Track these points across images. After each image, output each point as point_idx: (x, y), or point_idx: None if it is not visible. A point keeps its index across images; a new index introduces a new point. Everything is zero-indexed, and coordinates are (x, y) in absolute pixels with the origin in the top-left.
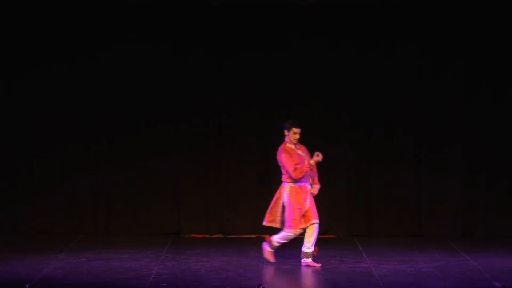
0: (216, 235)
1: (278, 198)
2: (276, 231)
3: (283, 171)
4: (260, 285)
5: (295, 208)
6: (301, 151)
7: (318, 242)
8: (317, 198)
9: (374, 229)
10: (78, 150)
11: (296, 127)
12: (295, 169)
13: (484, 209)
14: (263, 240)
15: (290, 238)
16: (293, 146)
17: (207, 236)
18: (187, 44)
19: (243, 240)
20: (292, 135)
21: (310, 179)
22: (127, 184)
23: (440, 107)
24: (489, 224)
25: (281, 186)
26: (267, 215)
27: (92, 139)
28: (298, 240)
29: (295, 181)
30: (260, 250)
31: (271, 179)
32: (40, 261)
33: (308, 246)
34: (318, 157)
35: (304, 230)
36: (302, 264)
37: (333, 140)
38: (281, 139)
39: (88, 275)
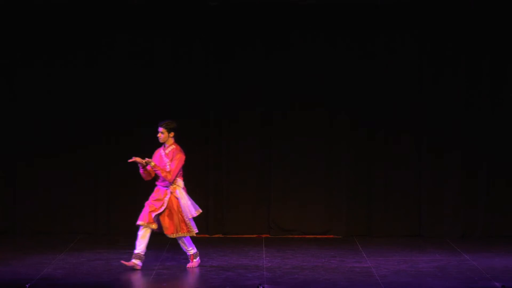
0: (216, 235)
1: None
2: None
3: None
4: (260, 285)
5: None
6: (166, 155)
7: (319, 242)
8: (317, 198)
9: (374, 229)
10: (78, 150)
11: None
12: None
13: (484, 209)
14: (263, 240)
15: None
16: (162, 147)
17: (207, 236)
18: (187, 44)
19: (243, 240)
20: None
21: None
22: (127, 184)
23: (440, 107)
24: (489, 224)
25: None
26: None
27: (92, 139)
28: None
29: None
30: (259, 250)
31: (271, 179)
32: (40, 261)
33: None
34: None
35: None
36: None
37: (333, 140)
38: (280, 139)
39: (88, 275)
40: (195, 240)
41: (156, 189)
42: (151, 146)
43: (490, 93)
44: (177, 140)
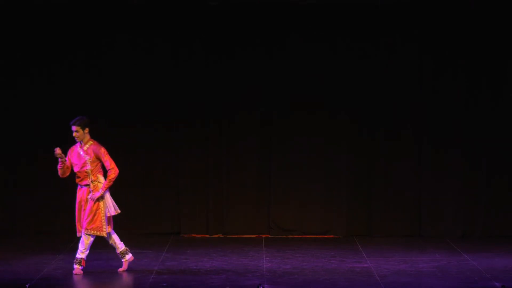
0: (216, 235)
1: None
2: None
3: None
4: (260, 285)
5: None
6: (85, 152)
7: (319, 242)
8: (317, 198)
9: (374, 229)
10: None
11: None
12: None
13: (484, 209)
14: (263, 240)
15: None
16: (78, 145)
17: (207, 236)
18: (187, 44)
19: (243, 240)
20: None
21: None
22: (127, 184)
23: (440, 107)
24: (489, 224)
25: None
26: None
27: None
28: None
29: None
30: (259, 250)
31: (271, 179)
32: (40, 261)
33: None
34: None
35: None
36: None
37: (333, 140)
38: (280, 139)
39: (88, 275)
40: (195, 240)
41: (78, 189)
42: (149, 145)
43: (490, 93)
44: (177, 140)
